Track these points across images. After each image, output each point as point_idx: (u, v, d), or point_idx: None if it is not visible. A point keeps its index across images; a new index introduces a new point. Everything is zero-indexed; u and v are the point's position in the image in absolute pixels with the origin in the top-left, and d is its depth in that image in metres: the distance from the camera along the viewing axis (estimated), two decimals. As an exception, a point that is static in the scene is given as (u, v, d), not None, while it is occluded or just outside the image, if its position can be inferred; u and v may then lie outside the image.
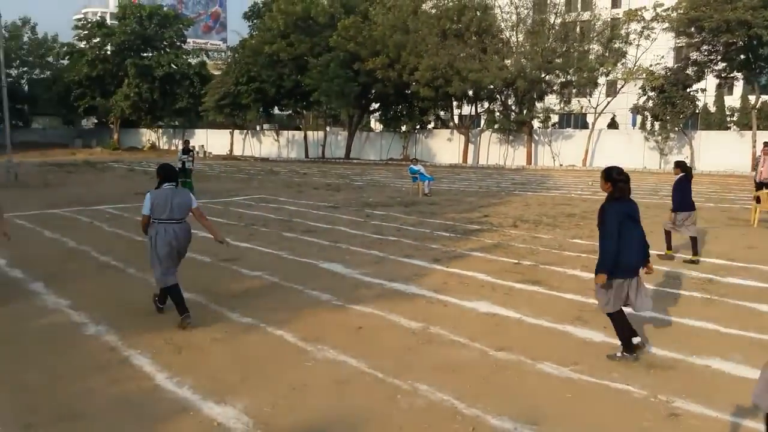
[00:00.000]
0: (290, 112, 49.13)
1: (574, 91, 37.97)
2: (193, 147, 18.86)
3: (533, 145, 37.02)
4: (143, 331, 5.76)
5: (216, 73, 49.62)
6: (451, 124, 42.03)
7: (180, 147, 18.61)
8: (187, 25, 53.81)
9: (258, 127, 51.29)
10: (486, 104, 39.92)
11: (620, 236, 4.92)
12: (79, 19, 53.59)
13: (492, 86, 35.77)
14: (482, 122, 41.22)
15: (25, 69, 53.77)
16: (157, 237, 6.03)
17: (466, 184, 23.95)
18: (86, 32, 50.20)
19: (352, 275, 8.13)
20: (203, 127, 52.00)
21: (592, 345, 5.58)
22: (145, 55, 49.93)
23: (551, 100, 37.90)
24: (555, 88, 36.34)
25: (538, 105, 37.21)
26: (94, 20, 52.35)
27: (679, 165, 9.58)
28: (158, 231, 6.04)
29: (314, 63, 38.88)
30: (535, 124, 38.43)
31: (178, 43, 51.78)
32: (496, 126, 37.72)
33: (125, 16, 49.68)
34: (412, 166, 19.62)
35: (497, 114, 38.43)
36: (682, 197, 9.29)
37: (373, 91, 41.00)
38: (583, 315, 6.39)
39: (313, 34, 40.80)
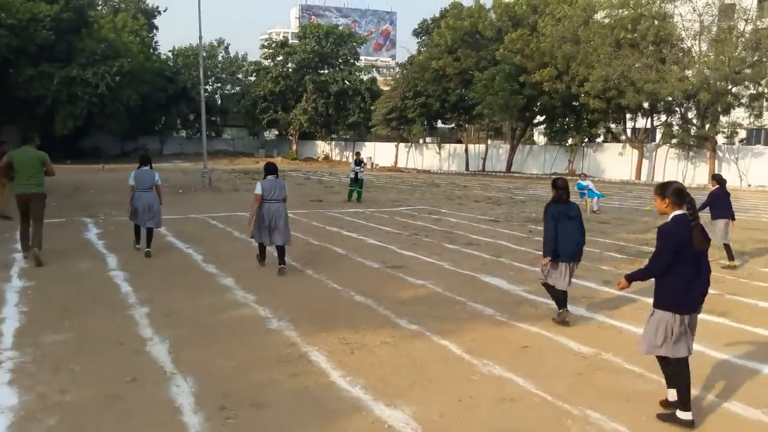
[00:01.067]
0: (453, 125, 49.72)
1: (766, 104, 34.11)
2: (363, 159, 19.96)
3: (717, 162, 33.76)
4: (319, 330, 6.15)
5: (385, 88, 51.72)
6: (623, 137, 39.78)
7: (353, 159, 19.79)
8: (360, 43, 56.73)
9: (421, 140, 52.48)
10: (663, 117, 37.25)
11: (557, 230, 6.32)
12: (265, 39, 58.78)
13: (670, 98, 33.36)
14: (658, 136, 38.49)
15: (219, 85, 60.07)
16: (264, 211, 8.55)
17: (639, 202, 22.47)
18: (271, 51, 55.00)
19: (516, 291, 8.01)
20: (371, 140, 54.39)
21: (792, 389, 4.97)
22: (321, 72, 53.52)
23: (739, 114, 34.32)
24: (743, 100, 32.95)
25: (723, 119, 33.91)
26: (278, 40, 56.99)
27: (715, 178, 10.53)
28: (264, 207, 8.57)
29: (479, 77, 38.98)
30: (720, 139, 35.06)
31: (352, 61, 54.79)
32: (674, 140, 35.03)
33: (305, 35, 53.69)
34: (579, 181, 18.83)
35: (675, 128, 35.65)
36: (718, 207, 10.12)
37: (539, 104, 40.12)
38: (780, 354, 5.72)
39: (480, 48, 40.98)
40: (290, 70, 53.93)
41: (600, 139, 42.49)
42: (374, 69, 59.21)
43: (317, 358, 5.39)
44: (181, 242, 11.20)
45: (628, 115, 38.31)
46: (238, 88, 59.63)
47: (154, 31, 59.95)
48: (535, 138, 53.02)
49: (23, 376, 4.86)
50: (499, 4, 42.08)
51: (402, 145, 51.24)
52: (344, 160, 53.15)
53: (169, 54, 57.51)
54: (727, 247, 9.94)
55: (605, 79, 33.23)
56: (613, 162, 38.79)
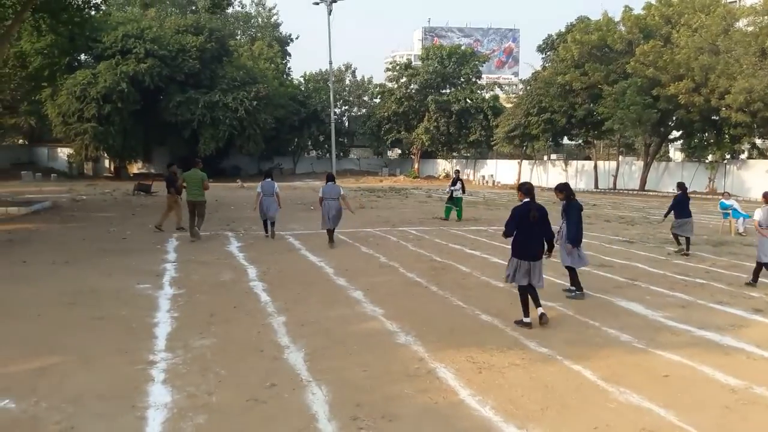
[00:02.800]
0: (580, 141, 47.99)
1: None
2: (461, 178, 19.92)
3: None
4: (446, 346, 6.18)
5: (507, 105, 51.03)
6: (772, 153, 36.29)
7: (452, 177, 19.76)
8: (482, 61, 56.51)
9: (545, 157, 51.12)
10: (819, 131, 33.59)
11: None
12: (390, 62, 60.29)
13: (826, 110, 29.99)
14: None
15: (346, 107, 62.27)
16: (325, 207, 12.72)
17: (793, 224, 20.31)
18: (395, 73, 56.25)
19: (655, 317, 7.56)
20: (493, 158, 53.81)
21: None
22: (444, 91, 53.89)
23: None
24: None
25: None
26: (402, 62, 58.23)
27: (679, 185, 13.24)
28: (325, 204, 12.72)
29: (609, 91, 37.43)
30: None
31: (474, 79, 54.65)
32: (833, 157, 31.41)
33: (428, 57, 54.41)
34: (723, 200, 17.50)
35: (834, 143, 31.99)
36: (680, 209, 12.64)
37: (675, 118, 37.71)
38: None
39: (609, 62, 39.50)
40: (413, 91, 54.78)
41: (744, 156, 39.05)
42: (497, 86, 58.55)
43: (445, 374, 5.42)
44: (314, 256, 11.73)
45: (776, 130, 34.98)
46: (364, 110, 61.47)
47: (287, 57, 63.52)
48: (671, 154, 49.78)
49: (175, 377, 5.31)
50: (629, 16, 40.27)
51: (525, 162, 50.18)
52: (464, 178, 52.94)
53: (301, 79, 60.54)
54: (687, 240, 12.61)
55: (749, 90, 30.60)
56: (761, 180, 35.30)
